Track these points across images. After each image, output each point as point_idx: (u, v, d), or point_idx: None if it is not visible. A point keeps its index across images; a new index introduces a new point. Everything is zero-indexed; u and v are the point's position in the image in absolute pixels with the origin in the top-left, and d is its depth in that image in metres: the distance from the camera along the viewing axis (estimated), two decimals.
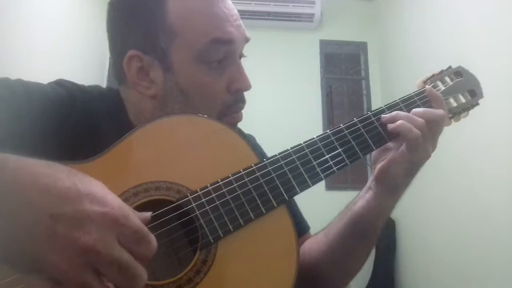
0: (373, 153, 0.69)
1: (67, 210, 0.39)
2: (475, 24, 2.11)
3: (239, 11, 0.70)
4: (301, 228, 0.81)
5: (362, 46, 3.52)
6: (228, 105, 0.67)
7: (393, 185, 0.67)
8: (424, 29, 2.67)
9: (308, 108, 3.26)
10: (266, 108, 3.14)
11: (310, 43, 3.43)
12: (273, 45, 3.37)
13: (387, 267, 2.89)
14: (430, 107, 0.69)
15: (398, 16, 3.12)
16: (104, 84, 2.71)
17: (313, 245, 0.76)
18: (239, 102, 0.69)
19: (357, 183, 3.26)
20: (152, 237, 0.44)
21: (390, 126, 0.64)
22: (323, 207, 2.81)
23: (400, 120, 0.64)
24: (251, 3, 3.17)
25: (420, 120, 0.64)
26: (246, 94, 0.71)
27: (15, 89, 0.60)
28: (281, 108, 3.23)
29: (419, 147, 0.63)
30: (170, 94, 0.66)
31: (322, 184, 3.10)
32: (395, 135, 0.66)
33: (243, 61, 0.71)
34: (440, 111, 0.67)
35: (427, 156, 0.65)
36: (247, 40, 0.70)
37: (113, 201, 0.42)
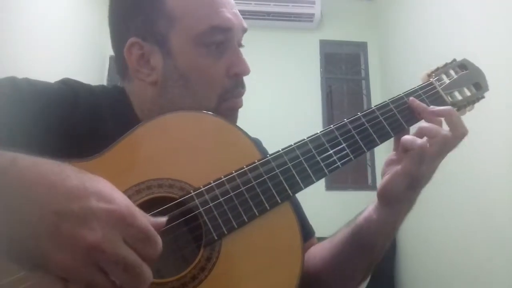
0: (383, 165, 0.66)
1: (73, 208, 0.39)
2: (476, 24, 2.11)
3: (239, 11, 0.71)
4: (305, 233, 0.79)
5: (362, 46, 3.51)
6: (227, 90, 0.68)
7: (394, 199, 0.64)
8: (424, 29, 2.67)
9: (308, 108, 3.26)
10: (266, 108, 3.14)
11: (310, 43, 3.42)
12: (273, 45, 3.36)
13: (387, 267, 2.88)
14: (435, 101, 0.69)
15: (398, 16, 3.12)
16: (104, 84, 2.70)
17: (317, 251, 0.75)
18: (239, 87, 0.69)
19: (357, 183, 3.26)
20: (158, 238, 0.43)
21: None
22: (323, 207, 2.82)
23: (405, 136, 0.62)
24: (251, 3, 3.17)
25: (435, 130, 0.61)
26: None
27: (21, 87, 0.61)
28: (281, 108, 3.23)
29: (423, 161, 0.60)
30: (170, 79, 0.66)
31: (322, 184, 3.11)
32: (401, 128, 0.65)
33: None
34: (454, 135, 0.63)
35: (433, 171, 0.62)
36: (244, 29, 0.71)
37: (120, 199, 0.42)
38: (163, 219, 0.46)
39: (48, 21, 2.28)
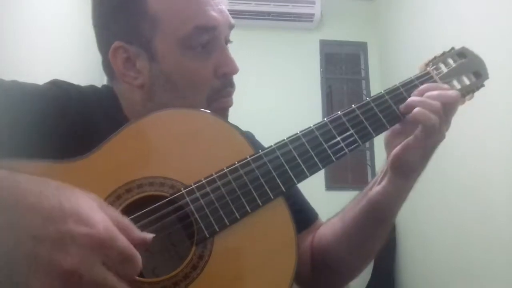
0: (385, 136, 0.67)
1: (49, 231, 0.38)
2: (475, 24, 2.11)
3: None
4: (309, 216, 0.80)
5: (362, 46, 3.51)
6: (216, 90, 0.67)
7: (410, 170, 0.65)
8: (424, 29, 2.67)
9: (308, 108, 3.25)
10: (266, 108, 3.14)
11: (310, 43, 3.42)
12: (273, 45, 3.36)
13: (387, 266, 2.88)
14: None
15: (398, 16, 3.12)
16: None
17: (327, 230, 0.75)
18: (228, 86, 0.68)
19: (357, 183, 3.25)
20: (138, 256, 0.42)
21: (408, 115, 0.63)
22: (323, 207, 2.80)
23: (417, 107, 0.61)
24: (251, 3, 3.16)
25: (436, 103, 0.61)
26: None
27: (10, 89, 0.60)
28: (281, 108, 3.22)
29: (436, 132, 0.61)
30: (157, 83, 0.65)
31: (322, 184, 3.10)
32: (397, 120, 0.65)
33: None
34: (453, 92, 0.64)
35: (442, 138, 0.63)
36: (231, 25, 0.69)
37: (99, 221, 0.41)
38: (150, 235, 0.45)
39: (48, 22, 2.28)
